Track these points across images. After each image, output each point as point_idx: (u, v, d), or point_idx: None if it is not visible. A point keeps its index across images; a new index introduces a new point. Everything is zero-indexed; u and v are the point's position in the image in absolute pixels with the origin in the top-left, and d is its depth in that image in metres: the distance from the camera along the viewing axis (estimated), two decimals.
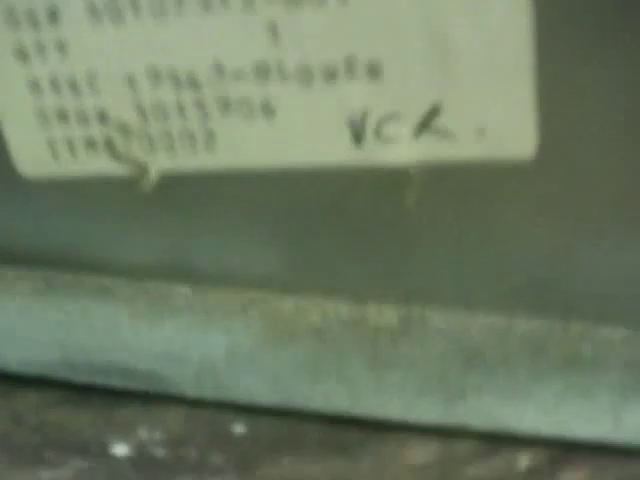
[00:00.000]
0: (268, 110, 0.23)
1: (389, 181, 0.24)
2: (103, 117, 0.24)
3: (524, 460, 0.27)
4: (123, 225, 0.27)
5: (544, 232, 0.25)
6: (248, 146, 0.24)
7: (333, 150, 0.24)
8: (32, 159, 0.26)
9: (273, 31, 0.22)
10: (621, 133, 0.23)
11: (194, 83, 0.23)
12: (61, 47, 0.24)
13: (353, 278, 0.27)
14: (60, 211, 0.27)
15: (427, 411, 0.28)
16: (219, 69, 0.23)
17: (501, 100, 0.22)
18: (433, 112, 0.23)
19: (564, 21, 0.21)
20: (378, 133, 0.23)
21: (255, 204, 0.25)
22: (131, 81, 0.24)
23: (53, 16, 0.23)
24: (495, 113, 0.23)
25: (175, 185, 0.25)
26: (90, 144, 0.25)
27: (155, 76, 0.23)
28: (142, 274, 0.28)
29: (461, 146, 0.23)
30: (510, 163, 0.23)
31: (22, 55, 0.24)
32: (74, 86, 0.24)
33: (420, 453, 0.28)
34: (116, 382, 0.30)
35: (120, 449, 0.29)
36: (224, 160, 0.24)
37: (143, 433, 0.29)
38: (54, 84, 0.24)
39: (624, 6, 0.21)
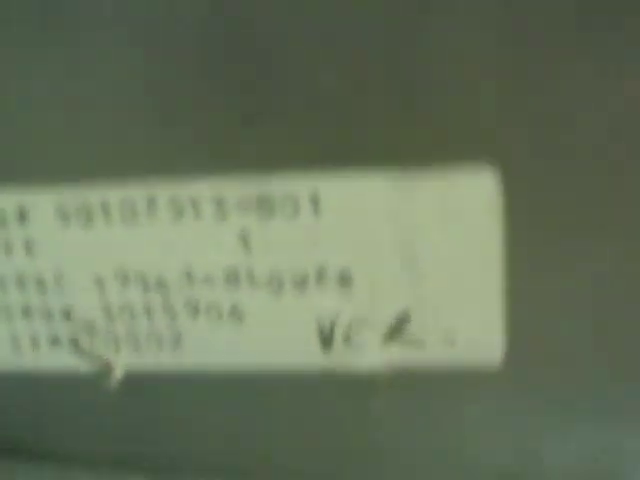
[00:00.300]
0: (237, 315, 0.23)
1: (357, 386, 0.24)
2: (68, 315, 0.24)
3: None
4: (85, 415, 0.26)
5: (512, 431, 0.25)
6: (215, 348, 0.24)
7: (301, 355, 0.23)
8: None
9: (244, 239, 0.22)
10: (588, 343, 0.23)
11: (163, 286, 0.23)
12: (28, 246, 0.23)
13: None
14: (20, 399, 0.26)
15: None
16: (189, 274, 0.23)
17: (470, 309, 0.22)
18: (402, 320, 0.23)
19: (533, 237, 0.22)
20: (347, 339, 0.23)
21: (220, 404, 0.25)
22: (99, 282, 0.23)
23: (22, 216, 0.23)
24: (464, 322, 0.23)
25: (140, 380, 0.25)
26: (54, 341, 0.24)
27: (123, 278, 0.23)
28: (101, 463, 0.27)
29: (430, 353, 0.23)
30: (478, 369, 0.23)
31: None
32: (40, 283, 0.24)
33: None
34: None
35: None
36: (190, 361, 0.24)
37: None
38: (20, 281, 0.24)
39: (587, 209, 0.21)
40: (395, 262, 0.22)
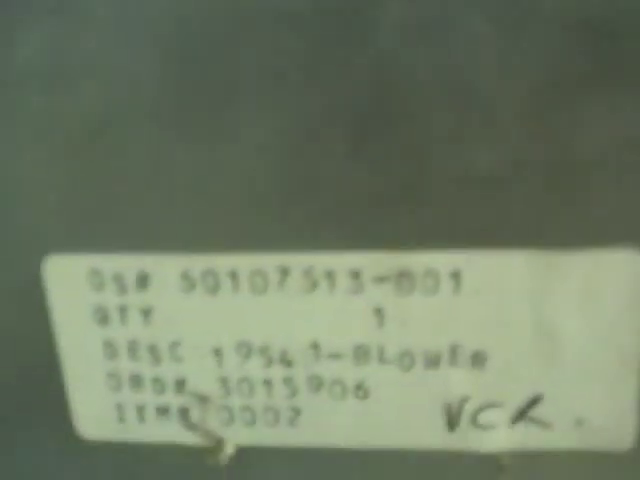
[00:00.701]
0: (361, 392, 0.22)
1: (480, 467, 0.23)
2: (181, 386, 0.23)
3: None
4: None
5: None
6: (335, 425, 0.23)
7: (425, 434, 0.23)
8: (96, 421, 0.24)
9: (379, 315, 0.21)
10: None
11: (287, 361, 0.22)
12: (146, 312, 0.22)
13: None
14: (116, 475, 0.25)
15: None
16: (316, 349, 0.22)
17: (603, 393, 0.22)
18: (533, 402, 0.22)
19: None
20: (474, 420, 0.22)
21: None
22: (217, 353, 0.23)
23: (142, 281, 0.22)
24: (596, 406, 0.22)
25: (250, 458, 0.24)
26: (162, 411, 0.23)
27: (245, 351, 0.22)
28: None
29: (558, 436, 0.22)
30: (606, 452, 0.23)
31: (103, 318, 0.23)
32: (154, 352, 0.23)
33: None
34: None
35: None
36: (307, 437, 0.23)
37: None
38: (132, 349, 0.23)
39: None
40: (532, 343, 0.21)
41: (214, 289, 0.22)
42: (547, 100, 0.20)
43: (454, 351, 0.22)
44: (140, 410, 0.23)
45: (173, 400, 0.23)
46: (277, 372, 0.22)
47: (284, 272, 0.21)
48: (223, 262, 0.22)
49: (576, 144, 0.20)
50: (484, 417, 0.22)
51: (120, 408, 0.24)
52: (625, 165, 0.20)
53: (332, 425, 0.23)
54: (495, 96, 0.20)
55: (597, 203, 0.20)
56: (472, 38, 0.19)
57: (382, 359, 0.22)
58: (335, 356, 0.22)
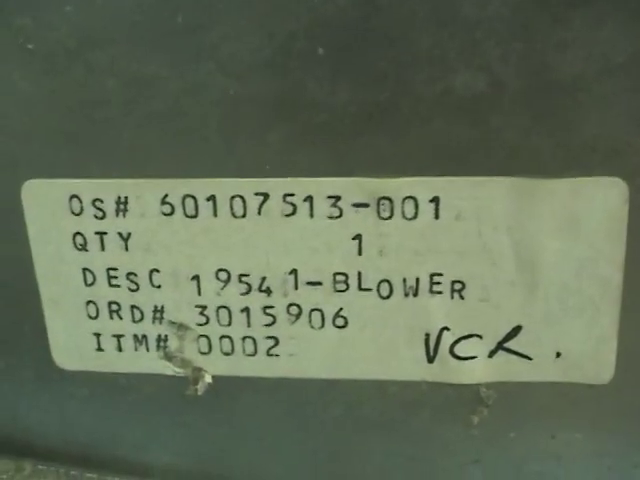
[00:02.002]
0: (340, 320, 0.22)
1: (457, 400, 0.23)
2: (159, 314, 0.23)
3: None
4: (162, 425, 0.25)
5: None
6: (314, 356, 0.23)
7: (404, 365, 0.23)
8: (74, 351, 0.24)
9: (358, 241, 0.21)
10: None
11: (265, 288, 0.22)
12: (125, 238, 0.22)
13: None
14: (93, 404, 0.25)
15: None
16: (295, 276, 0.22)
17: (583, 326, 0.22)
18: (512, 333, 0.22)
19: None
20: (453, 351, 0.22)
21: (309, 412, 0.24)
22: (196, 280, 0.22)
23: (121, 206, 0.22)
24: (576, 338, 0.22)
25: (226, 388, 0.23)
26: (140, 341, 0.23)
27: (224, 278, 0.22)
28: (174, 478, 0.25)
29: (537, 368, 0.22)
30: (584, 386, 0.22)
31: (82, 244, 0.22)
32: (132, 279, 0.23)
33: None
34: None
35: None
36: (286, 368, 0.23)
37: None
38: (110, 276, 0.23)
39: None
40: (511, 273, 0.21)
41: (193, 214, 0.22)
42: (528, 20, 0.19)
43: (433, 279, 0.21)
44: (118, 339, 0.23)
45: (151, 329, 0.23)
46: (256, 300, 0.22)
47: (263, 197, 0.21)
48: (202, 187, 0.21)
49: (556, 66, 0.20)
50: (463, 348, 0.22)
51: (98, 337, 0.23)
52: (607, 90, 0.20)
53: (311, 355, 0.23)
54: (475, 16, 0.19)
55: (578, 129, 0.20)
56: None
57: (361, 286, 0.22)
58: (314, 283, 0.22)
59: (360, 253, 0.21)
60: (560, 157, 0.20)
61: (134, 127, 0.21)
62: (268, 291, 0.22)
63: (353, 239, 0.21)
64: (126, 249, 0.22)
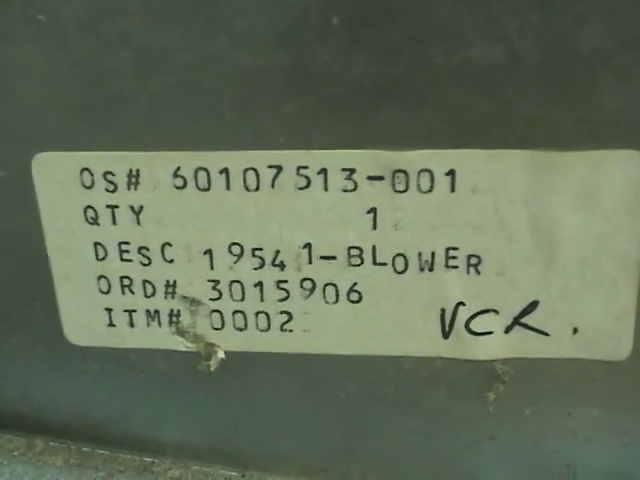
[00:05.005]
0: (355, 295, 0.22)
1: (472, 376, 0.23)
2: (172, 289, 0.23)
3: None
4: (174, 402, 0.25)
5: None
6: (328, 331, 0.22)
7: (420, 341, 0.22)
8: (86, 326, 0.24)
9: (373, 215, 0.21)
10: None
11: (279, 263, 0.22)
12: (137, 212, 0.22)
13: None
14: (104, 380, 0.25)
15: None
16: (309, 250, 0.22)
17: (601, 301, 0.21)
18: (529, 308, 0.22)
19: None
20: (468, 326, 0.22)
21: (324, 389, 0.24)
22: (209, 254, 0.22)
23: (133, 179, 0.22)
24: (593, 314, 0.22)
25: (239, 365, 0.23)
26: (152, 316, 0.23)
27: (237, 252, 0.22)
28: (188, 455, 0.25)
29: (554, 344, 0.22)
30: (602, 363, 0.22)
31: (93, 218, 0.22)
32: (144, 253, 0.22)
33: None
34: None
35: None
36: (300, 344, 0.23)
37: None
38: (122, 250, 0.23)
39: None
40: (528, 248, 0.21)
41: (206, 187, 0.21)
42: None
43: (449, 254, 0.21)
44: (130, 315, 0.23)
45: (163, 304, 0.23)
46: (269, 274, 0.22)
47: (277, 170, 0.21)
48: (215, 159, 0.21)
49: (575, 39, 0.19)
50: (479, 323, 0.22)
51: (110, 312, 0.23)
52: (626, 62, 0.19)
53: (325, 331, 0.22)
54: None
55: (597, 101, 0.20)
56: None
57: (376, 261, 0.21)
58: (328, 258, 0.22)
59: (375, 227, 0.21)
60: (578, 130, 0.20)
61: (147, 100, 0.21)
62: (282, 265, 0.22)
63: (368, 212, 0.21)
64: (138, 223, 0.22)
